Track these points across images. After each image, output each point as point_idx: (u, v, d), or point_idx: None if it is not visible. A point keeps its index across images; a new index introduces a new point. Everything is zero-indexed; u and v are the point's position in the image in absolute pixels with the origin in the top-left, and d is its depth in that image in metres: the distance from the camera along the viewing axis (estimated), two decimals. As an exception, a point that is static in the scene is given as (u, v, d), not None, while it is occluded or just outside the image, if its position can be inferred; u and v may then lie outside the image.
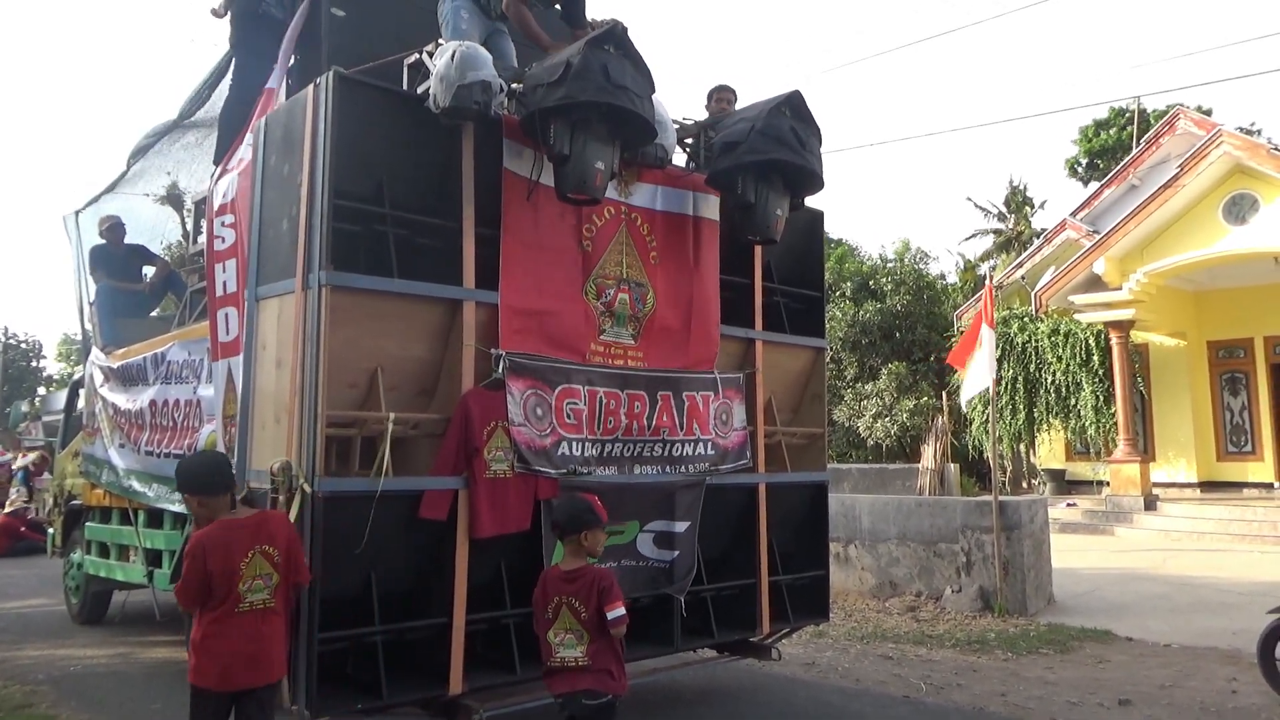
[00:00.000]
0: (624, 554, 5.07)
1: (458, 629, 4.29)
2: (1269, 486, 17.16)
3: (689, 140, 5.84)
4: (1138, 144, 19.11)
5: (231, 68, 6.15)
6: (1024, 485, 19.90)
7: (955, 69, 74.86)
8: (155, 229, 8.54)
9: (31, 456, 17.05)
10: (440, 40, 4.59)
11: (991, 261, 29.06)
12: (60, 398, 13.28)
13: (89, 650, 7.49)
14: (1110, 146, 29.09)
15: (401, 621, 4.29)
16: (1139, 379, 17.66)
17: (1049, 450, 19.47)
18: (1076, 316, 17.33)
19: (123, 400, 6.93)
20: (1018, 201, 31.98)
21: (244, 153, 5.19)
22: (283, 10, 5.80)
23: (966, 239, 32.43)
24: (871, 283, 23.96)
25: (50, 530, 9.58)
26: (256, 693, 3.65)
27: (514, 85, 4.68)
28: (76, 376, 9.51)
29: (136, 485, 6.58)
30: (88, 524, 7.95)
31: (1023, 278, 19.54)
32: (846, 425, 22.07)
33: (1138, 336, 17.53)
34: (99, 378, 7.57)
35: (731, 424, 5.51)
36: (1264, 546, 13.41)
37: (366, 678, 4.24)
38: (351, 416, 4.24)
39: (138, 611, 8.30)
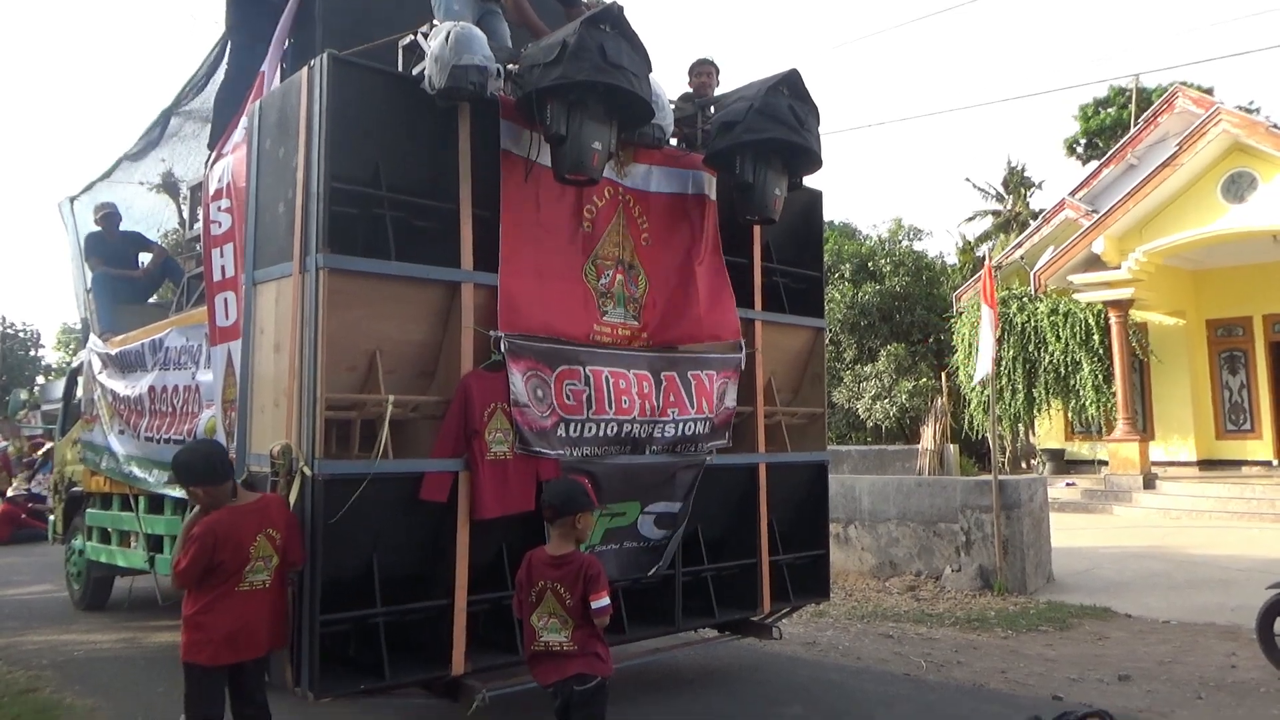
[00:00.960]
0: (626, 536, 5.08)
1: (459, 610, 4.31)
2: (1268, 464, 17.20)
3: (686, 120, 5.80)
4: (1136, 123, 19.04)
5: (227, 50, 6.10)
6: (1023, 465, 19.93)
7: (953, 49, 74.55)
8: (152, 217, 8.51)
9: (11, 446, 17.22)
10: (434, 21, 4.56)
11: (990, 242, 29.02)
12: (59, 387, 13.28)
13: (92, 636, 7.52)
14: (1109, 126, 28.98)
15: (403, 603, 4.30)
16: (1138, 358, 17.67)
17: (1048, 430, 19.49)
18: (1075, 296, 17.31)
19: (121, 387, 6.93)
20: (1016, 182, 31.91)
21: (239, 136, 5.16)
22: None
23: (967, 220, 32.38)
24: (870, 264, 23.92)
25: (51, 517, 9.59)
26: (247, 666, 3.73)
27: (510, 66, 4.66)
28: (75, 364, 9.50)
29: (137, 471, 6.59)
30: (88, 510, 7.96)
31: (1021, 258, 19.50)
32: (846, 407, 22.08)
33: (1137, 315, 17.51)
34: (97, 364, 7.57)
35: (724, 403, 5.51)
36: (1263, 524, 13.45)
37: (369, 659, 4.26)
38: (351, 399, 4.23)
39: (140, 597, 8.33)
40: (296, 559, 3.86)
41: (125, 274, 8.13)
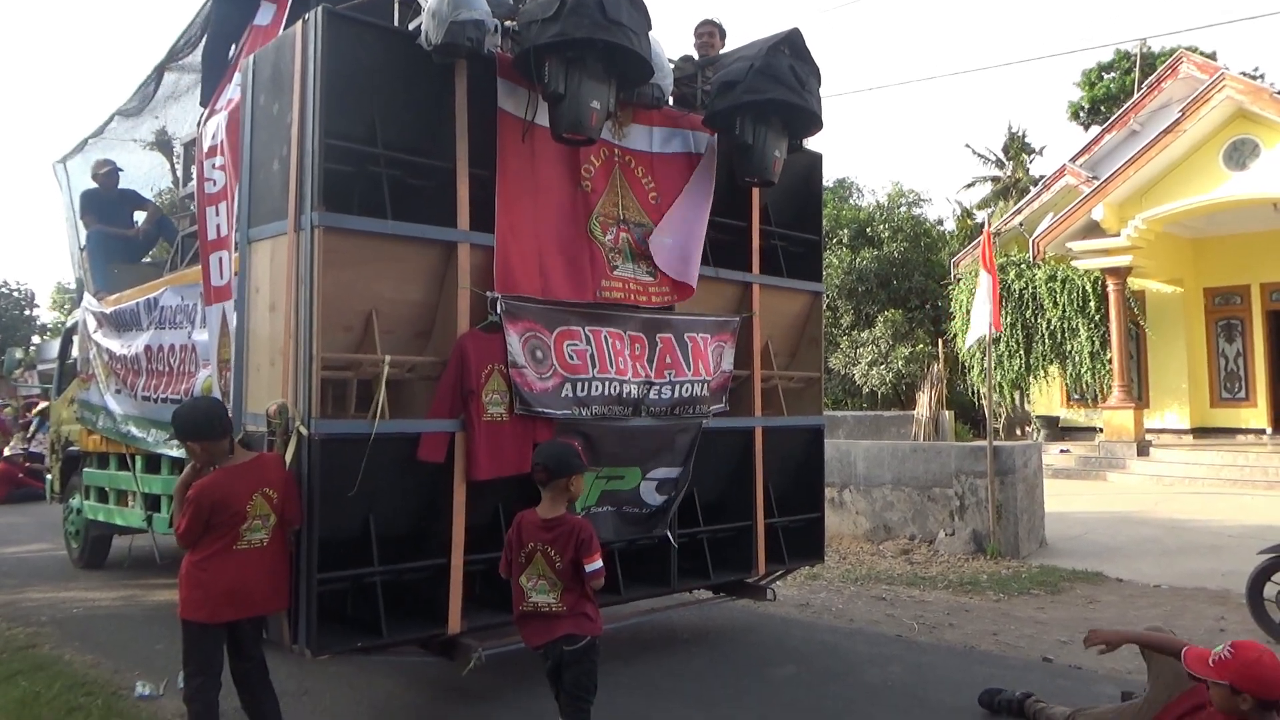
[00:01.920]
0: (627, 500, 5.09)
1: (456, 569, 4.33)
2: (1261, 432, 17.29)
3: (685, 80, 5.73)
4: (1140, 88, 18.88)
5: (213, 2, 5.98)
6: (1018, 432, 20.01)
7: (955, 11, 73.68)
8: (147, 176, 8.43)
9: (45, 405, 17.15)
10: (431, -25, 4.48)
11: (990, 208, 28.89)
12: (55, 346, 13.26)
13: (91, 594, 7.56)
14: (1113, 93, 28.74)
15: (400, 562, 4.32)
16: (1135, 326, 17.68)
17: (1044, 397, 19.55)
18: (1074, 263, 17.27)
19: (117, 346, 6.91)
20: (1016, 148, 31.70)
21: (233, 92, 5.10)
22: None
23: (967, 186, 32.18)
24: (869, 230, 23.82)
25: (48, 476, 9.62)
26: (245, 624, 3.75)
27: (508, 22, 4.59)
28: (70, 323, 9.46)
29: (134, 430, 6.59)
30: (85, 469, 7.98)
31: (1021, 224, 19.43)
32: (842, 373, 22.11)
33: (1134, 283, 17.50)
34: (92, 323, 7.54)
35: (721, 366, 5.50)
36: (1255, 491, 13.55)
37: (366, 617, 4.29)
38: (347, 359, 4.22)
39: (139, 555, 8.37)
40: (294, 518, 3.87)
41: (119, 233, 8.07)
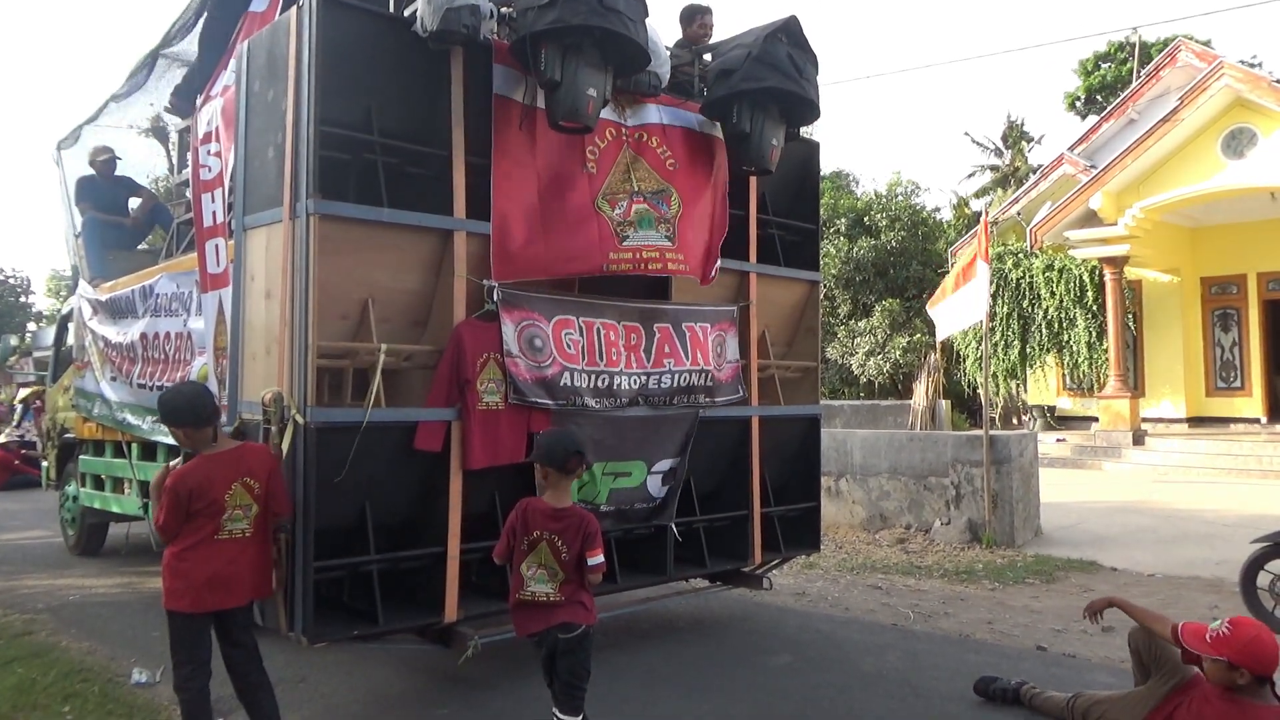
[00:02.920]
0: (636, 497, 5.10)
1: (452, 558, 4.33)
2: (1256, 421, 17.33)
3: (683, 69, 5.70)
4: (1138, 77, 18.83)
5: None
6: (1014, 421, 20.05)
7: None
8: (142, 164, 8.40)
9: (22, 393, 17.05)
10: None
11: (988, 197, 28.85)
12: (51, 334, 13.24)
13: (87, 581, 7.57)
14: (1110, 82, 28.67)
15: (397, 550, 4.32)
16: (1131, 315, 17.69)
17: (1040, 386, 19.58)
18: (1071, 252, 17.28)
19: (113, 333, 6.89)
20: (1015, 137, 31.64)
21: (228, 79, 5.07)
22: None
23: (968, 176, 32.16)
24: (866, 219, 23.78)
25: (44, 463, 9.62)
26: (230, 615, 3.74)
27: (504, 9, 4.56)
28: (65, 310, 9.44)
29: (130, 418, 6.58)
30: (81, 457, 7.98)
31: (1018, 213, 19.42)
32: (839, 363, 22.11)
33: (1131, 273, 17.51)
34: (88, 311, 7.52)
35: (725, 356, 5.49)
36: (1250, 480, 13.60)
37: (363, 605, 4.30)
38: (343, 348, 4.21)
39: (136, 543, 8.37)
40: (281, 509, 3.83)
41: (114, 220, 8.04)
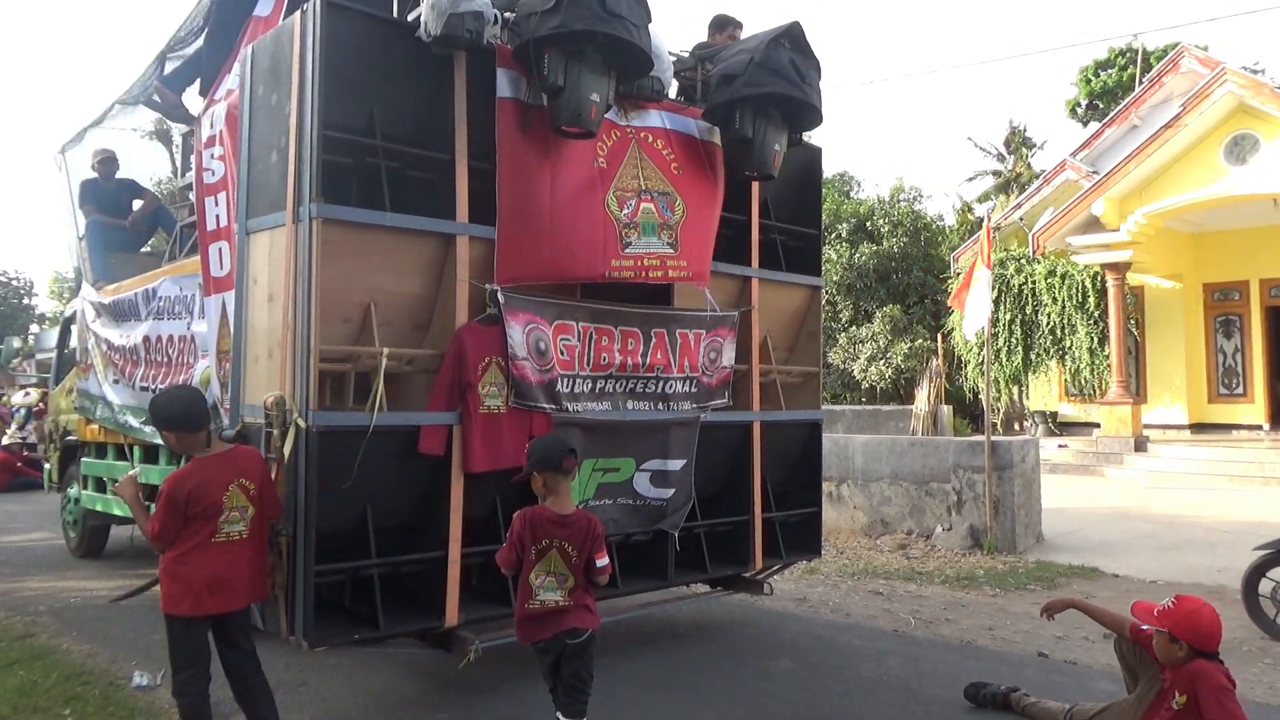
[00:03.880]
0: (621, 492, 5.09)
1: (453, 562, 4.33)
2: (1259, 428, 17.31)
3: (686, 74, 5.71)
4: (1140, 83, 18.84)
5: None
6: (1016, 427, 20.03)
7: (957, 4, 73.53)
8: (146, 167, 8.43)
9: (33, 395, 17.02)
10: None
11: (990, 202, 28.85)
12: (54, 336, 13.26)
13: (89, 583, 7.57)
14: (1111, 89, 28.69)
15: (398, 554, 4.32)
16: (1133, 321, 17.68)
17: (1043, 392, 19.57)
18: (1074, 258, 17.27)
19: (116, 336, 6.90)
20: (1017, 142, 31.62)
21: (232, 83, 5.08)
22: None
23: (969, 180, 32.13)
24: (868, 224, 23.79)
25: (46, 465, 9.63)
26: (228, 618, 3.74)
27: (507, 14, 4.57)
28: (68, 312, 9.46)
29: (132, 421, 6.59)
30: (84, 459, 7.98)
31: (1021, 219, 19.42)
32: (841, 368, 22.11)
33: (1133, 279, 17.49)
34: (91, 313, 7.53)
35: (719, 362, 5.48)
36: (1251, 487, 13.57)
37: (364, 609, 4.30)
38: (345, 351, 4.22)
39: (140, 546, 8.38)
40: (273, 511, 3.84)
41: (117, 222, 8.06)
